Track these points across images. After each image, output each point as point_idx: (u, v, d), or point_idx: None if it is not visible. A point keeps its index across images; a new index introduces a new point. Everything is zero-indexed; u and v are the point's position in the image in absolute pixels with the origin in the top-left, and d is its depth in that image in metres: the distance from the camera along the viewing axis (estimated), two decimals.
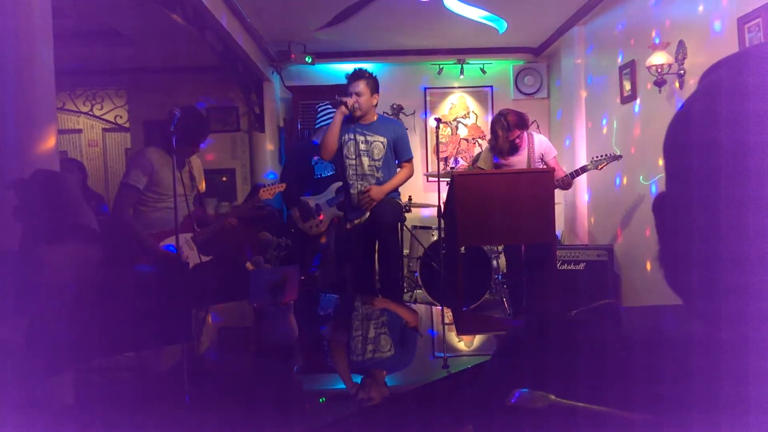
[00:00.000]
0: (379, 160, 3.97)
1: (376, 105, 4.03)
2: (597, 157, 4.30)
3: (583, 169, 4.28)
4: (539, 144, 4.31)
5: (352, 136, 3.95)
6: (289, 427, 1.27)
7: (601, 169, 4.28)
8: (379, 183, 3.96)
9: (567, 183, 4.21)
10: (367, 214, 3.95)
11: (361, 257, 4.10)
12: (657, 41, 4.00)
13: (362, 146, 3.95)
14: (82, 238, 1.32)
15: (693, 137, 0.47)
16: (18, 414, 1.02)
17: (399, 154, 4.04)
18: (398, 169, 4.07)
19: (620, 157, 4.17)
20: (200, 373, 1.79)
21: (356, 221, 4.00)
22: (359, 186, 3.95)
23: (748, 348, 0.44)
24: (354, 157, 3.95)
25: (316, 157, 4.75)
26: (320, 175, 4.77)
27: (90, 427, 1.16)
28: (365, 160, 3.96)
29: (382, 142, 3.97)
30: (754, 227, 0.43)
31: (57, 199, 1.40)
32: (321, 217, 4.70)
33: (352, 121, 3.97)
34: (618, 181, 4.84)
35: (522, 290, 4.36)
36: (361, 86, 3.90)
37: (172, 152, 3.32)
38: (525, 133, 4.25)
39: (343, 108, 3.88)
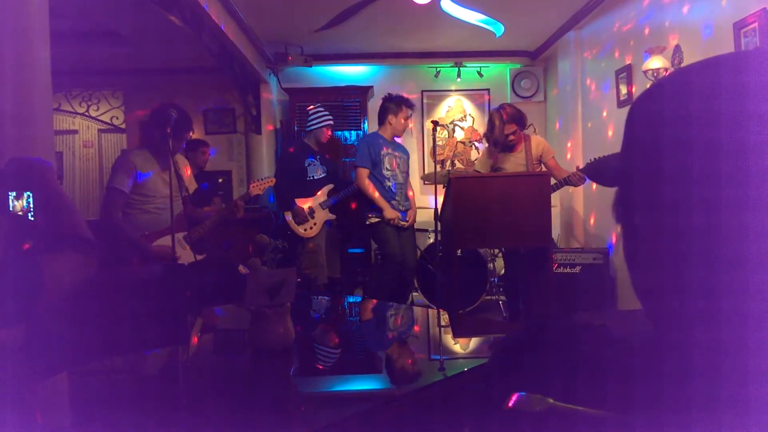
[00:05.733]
0: (405, 172, 4.72)
1: None
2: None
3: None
4: (536, 145, 4.27)
5: (389, 151, 4.60)
6: (287, 428, 1.27)
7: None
8: (405, 193, 4.72)
9: (579, 178, 3.95)
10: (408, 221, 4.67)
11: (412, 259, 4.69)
12: (653, 45, 4.01)
13: (397, 160, 4.64)
14: (78, 246, 1.32)
15: (693, 137, 0.47)
16: (18, 414, 1.01)
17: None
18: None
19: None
20: (199, 374, 1.79)
21: (402, 223, 4.60)
22: (399, 196, 4.60)
23: (748, 348, 0.44)
24: (392, 168, 4.60)
25: (308, 160, 4.75)
26: (312, 177, 4.76)
27: (90, 427, 1.16)
28: (399, 174, 4.66)
29: (406, 160, 4.76)
30: (754, 227, 0.44)
31: (37, 190, 1.38)
32: (314, 219, 4.70)
33: (381, 137, 4.65)
34: None
35: (518, 294, 4.37)
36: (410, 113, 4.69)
37: (163, 153, 3.32)
38: (521, 133, 4.24)
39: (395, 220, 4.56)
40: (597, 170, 3.81)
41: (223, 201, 6.18)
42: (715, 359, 0.46)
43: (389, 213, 4.48)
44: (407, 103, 4.63)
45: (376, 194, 4.48)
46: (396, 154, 4.65)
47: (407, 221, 4.64)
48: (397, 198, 4.58)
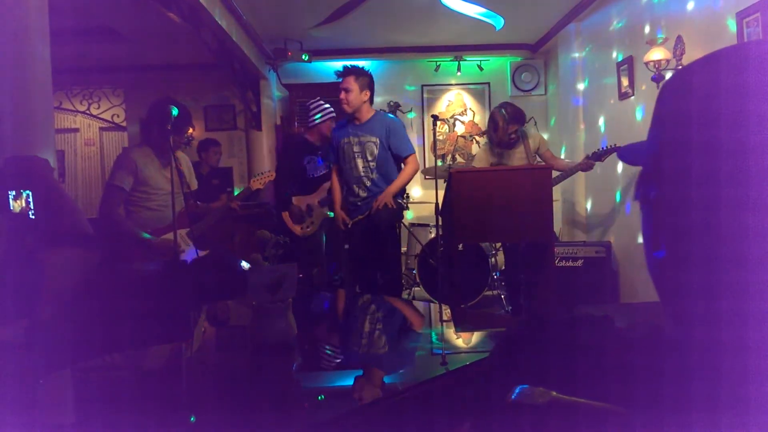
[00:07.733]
0: (372, 161, 3.88)
1: (371, 102, 3.96)
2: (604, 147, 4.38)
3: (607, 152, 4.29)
4: (533, 138, 4.44)
5: (347, 140, 3.94)
6: (288, 425, 1.27)
7: (603, 160, 4.33)
8: (375, 184, 3.90)
9: (588, 165, 4.30)
10: (366, 213, 3.93)
11: (360, 256, 4.07)
12: (656, 36, 4.00)
13: (356, 148, 3.91)
14: (78, 243, 1.32)
15: (693, 134, 0.47)
16: (18, 414, 1.02)
17: (397, 150, 3.92)
18: (402, 166, 3.98)
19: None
20: (199, 371, 1.79)
21: (355, 219, 3.99)
22: (356, 189, 3.94)
23: (748, 348, 0.44)
24: (349, 159, 3.93)
25: (308, 157, 4.70)
26: (312, 175, 4.72)
27: (90, 427, 1.16)
28: (359, 162, 3.90)
29: (374, 143, 3.88)
30: (754, 227, 0.43)
31: (37, 189, 1.39)
32: (312, 218, 4.66)
33: (349, 122, 3.98)
34: (615, 177, 4.84)
35: (520, 288, 4.37)
36: (350, 82, 3.84)
37: (164, 149, 3.32)
38: (520, 130, 4.39)
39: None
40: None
41: (230, 197, 6.19)
42: (715, 359, 0.45)
43: (336, 217, 4.11)
44: (337, 75, 3.94)
45: (336, 196, 4.11)
46: (358, 138, 3.91)
47: (352, 219, 4.01)
48: (355, 195, 3.97)
